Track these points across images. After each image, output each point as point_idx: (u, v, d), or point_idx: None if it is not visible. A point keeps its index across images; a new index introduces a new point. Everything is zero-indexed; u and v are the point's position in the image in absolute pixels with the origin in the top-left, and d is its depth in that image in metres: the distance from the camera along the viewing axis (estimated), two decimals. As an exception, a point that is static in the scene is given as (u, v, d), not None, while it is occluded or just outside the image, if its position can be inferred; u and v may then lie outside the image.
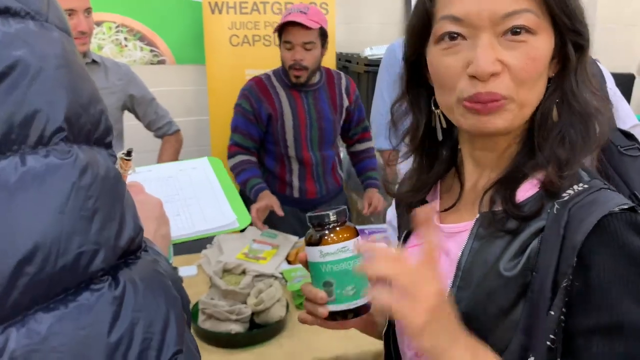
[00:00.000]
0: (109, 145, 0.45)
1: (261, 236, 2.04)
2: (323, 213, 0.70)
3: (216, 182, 0.93)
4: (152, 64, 3.28)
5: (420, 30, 0.70)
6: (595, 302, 0.58)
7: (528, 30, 0.63)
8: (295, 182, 2.25)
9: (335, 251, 0.68)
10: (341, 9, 3.40)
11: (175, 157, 2.48)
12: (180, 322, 0.44)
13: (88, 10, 2.00)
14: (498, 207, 0.67)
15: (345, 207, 0.73)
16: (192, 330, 1.48)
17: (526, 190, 0.67)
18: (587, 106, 0.66)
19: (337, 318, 0.70)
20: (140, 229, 0.45)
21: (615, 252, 0.58)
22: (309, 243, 0.70)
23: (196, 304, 1.54)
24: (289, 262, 1.91)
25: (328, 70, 2.31)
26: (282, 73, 2.21)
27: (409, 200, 0.80)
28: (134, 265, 0.43)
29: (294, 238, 2.05)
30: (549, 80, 0.69)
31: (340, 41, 3.42)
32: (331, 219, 0.69)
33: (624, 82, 3.28)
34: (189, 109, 3.39)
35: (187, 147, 3.44)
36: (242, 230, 2.13)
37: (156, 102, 2.47)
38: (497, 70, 0.62)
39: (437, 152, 0.78)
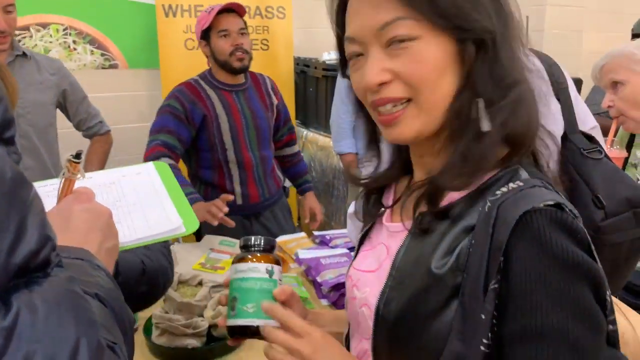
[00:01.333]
0: (8, 142, 0.39)
1: (219, 245, 1.97)
2: (250, 237, 0.76)
3: (162, 186, 0.88)
4: (103, 67, 3.16)
5: (341, 53, 0.74)
6: (516, 306, 0.56)
7: (410, 38, 0.63)
8: (237, 189, 2.19)
9: (246, 270, 0.73)
10: (298, 13, 3.37)
11: (104, 158, 2.40)
12: (95, 353, 0.38)
13: (8, 7, 1.88)
14: (427, 208, 0.69)
15: (275, 240, 0.79)
16: (146, 347, 1.41)
17: (458, 193, 0.66)
18: (496, 94, 0.64)
19: (235, 334, 0.73)
20: (48, 241, 0.38)
21: (536, 251, 0.56)
22: (232, 262, 0.77)
23: (149, 319, 1.46)
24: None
25: (251, 72, 2.32)
26: (210, 76, 2.19)
27: (372, 187, 0.82)
28: (37, 286, 0.36)
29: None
30: (466, 76, 0.67)
31: (298, 46, 3.39)
32: (253, 243, 0.76)
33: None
34: (142, 114, 3.28)
35: (141, 153, 3.34)
36: (199, 240, 2.05)
37: (88, 101, 2.40)
38: (384, 79, 0.65)
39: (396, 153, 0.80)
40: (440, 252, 0.64)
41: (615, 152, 1.60)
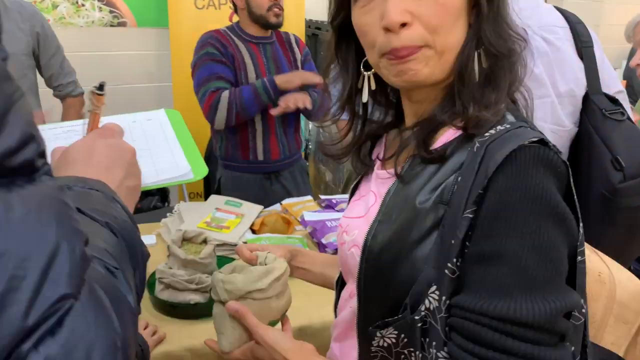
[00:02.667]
0: None
1: (225, 205, 1.95)
2: None
3: (171, 133, 0.86)
4: (111, 25, 3.10)
5: None
6: (482, 230, 0.59)
7: None
8: (259, 144, 2.18)
9: None
10: (312, -26, 3.29)
11: None
12: (78, 262, 0.35)
13: None
14: (418, 152, 0.69)
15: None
16: (149, 301, 1.41)
17: (448, 136, 0.68)
18: (503, 49, 0.67)
19: None
20: (32, 141, 0.34)
21: (512, 184, 0.58)
22: None
23: (153, 274, 1.45)
24: (254, 232, 1.83)
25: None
26: (237, 28, 2.19)
27: (340, 159, 0.85)
28: (18, 188, 0.33)
29: (259, 207, 1.97)
30: (471, 26, 0.68)
31: (310, 7, 3.30)
32: None
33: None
34: (151, 74, 3.24)
35: (149, 114, 3.31)
36: (206, 199, 2.04)
37: (63, 55, 2.27)
38: (407, 19, 0.64)
39: (367, 112, 0.80)
40: (427, 188, 0.66)
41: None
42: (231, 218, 1.85)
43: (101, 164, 0.60)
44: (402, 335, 0.64)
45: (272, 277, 0.80)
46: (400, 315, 0.64)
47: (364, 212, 0.77)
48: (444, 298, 0.61)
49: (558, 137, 1.07)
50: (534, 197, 0.57)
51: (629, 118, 1.06)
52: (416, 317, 0.62)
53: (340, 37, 0.76)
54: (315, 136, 3.22)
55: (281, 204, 2.07)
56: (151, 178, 0.77)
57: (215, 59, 2.07)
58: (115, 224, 0.51)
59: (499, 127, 0.64)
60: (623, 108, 1.07)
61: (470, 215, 0.59)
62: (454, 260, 0.60)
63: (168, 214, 1.96)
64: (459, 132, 0.67)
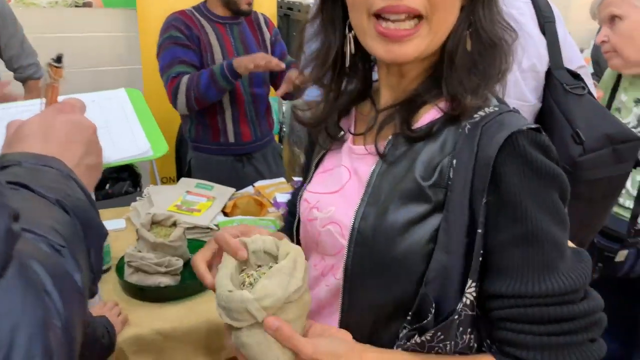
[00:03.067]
0: None
1: (195, 188, 1.93)
2: None
3: (132, 111, 0.85)
4: (76, 6, 3.01)
5: None
6: (507, 215, 0.62)
7: None
8: (230, 126, 2.15)
9: None
10: (283, -48, 3.24)
11: None
12: (3, 235, 0.33)
13: None
14: (400, 130, 0.70)
15: None
16: (118, 285, 1.39)
17: (430, 116, 0.69)
18: (494, 35, 0.68)
19: None
20: None
21: (522, 167, 0.62)
22: None
23: (122, 259, 1.44)
24: (226, 214, 1.82)
25: None
26: (204, 8, 2.14)
27: (315, 127, 0.81)
28: None
29: (231, 190, 1.96)
30: (462, 9, 0.68)
31: (282, -13, 3.26)
32: None
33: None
34: (119, 56, 3.17)
35: (119, 98, 3.25)
36: (176, 182, 2.02)
37: (23, 35, 2.21)
38: None
39: (347, 77, 0.78)
40: (418, 170, 0.66)
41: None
42: (202, 201, 1.83)
43: (59, 140, 0.58)
44: (439, 334, 0.64)
45: (300, 267, 0.63)
46: (444, 322, 0.63)
47: (337, 187, 0.75)
48: (475, 287, 0.63)
49: (521, 112, 1.08)
50: (545, 176, 0.62)
51: (589, 92, 1.07)
52: (456, 317, 0.63)
53: None
54: (290, 119, 3.20)
55: (254, 186, 2.06)
56: (110, 156, 0.75)
57: (178, 43, 2.03)
58: (67, 201, 0.49)
59: (487, 109, 0.66)
60: (584, 82, 1.09)
61: (486, 200, 0.62)
62: (479, 247, 0.63)
63: (138, 198, 1.93)
64: (440, 114, 0.68)
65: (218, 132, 2.15)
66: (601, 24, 1.56)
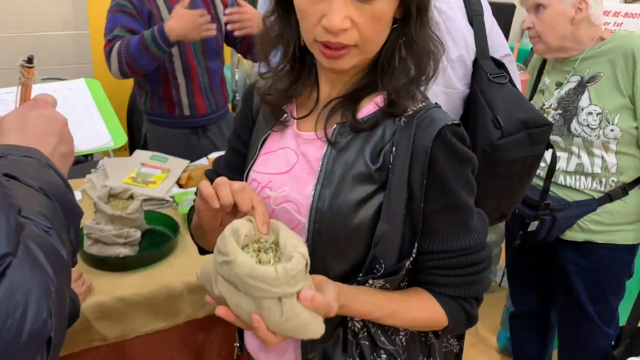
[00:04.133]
0: None
1: (150, 160, 1.98)
2: None
3: (92, 102, 0.91)
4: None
5: None
6: (437, 190, 0.79)
7: None
8: (184, 99, 2.17)
9: None
10: None
11: None
12: (13, 228, 0.44)
13: None
14: (345, 120, 0.81)
15: None
16: (78, 257, 1.46)
17: (368, 109, 0.82)
18: (424, 49, 0.80)
19: None
20: None
21: (448, 153, 0.78)
22: None
23: (81, 230, 1.49)
24: (180, 186, 1.89)
25: None
26: None
27: (275, 102, 0.88)
28: None
29: (185, 162, 2.01)
30: (395, 20, 0.78)
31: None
32: None
33: (505, 12, 3.46)
34: (66, 21, 3.09)
35: (67, 64, 3.18)
36: (130, 154, 2.06)
37: None
38: (346, 26, 0.72)
39: (304, 63, 0.86)
40: (365, 156, 0.79)
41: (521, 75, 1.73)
42: (157, 173, 1.89)
43: (35, 133, 0.66)
44: (387, 284, 0.82)
45: (302, 242, 0.72)
46: (395, 276, 0.81)
47: (286, 168, 0.85)
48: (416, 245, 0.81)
49: (450, 98, 1.20)
50: (466, 160, 0.80)
51: (510, 81, 1.20)
52: (403, 272, 0.81)
53: None
54: (242, 87, 3.24)
55: (208, 158, 2.12)
56: (75, 147, 0.81)
57: (124, 10, 2.02)
58: (49, 188, 0.58)
59: (416, 105, 0.81)
60: (507, 72, 1.21)
61: (424, 181, 0.78)
62: (421, 218, 0.80)
63: (92, 170, 1.97)
64: (376, 108, 0.81)
65: (173, 106, 2.18)
66: (528, 11, 1.69)
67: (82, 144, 0.81)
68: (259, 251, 0.71)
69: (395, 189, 0.78)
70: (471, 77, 1.21)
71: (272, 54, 0.87)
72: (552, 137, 1.69)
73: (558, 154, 1.67)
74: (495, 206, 1.25)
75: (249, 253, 0.70)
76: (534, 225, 1.60)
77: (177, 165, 1.99)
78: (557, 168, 1.66)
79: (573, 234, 1.70)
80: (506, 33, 3.38)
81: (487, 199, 1.12)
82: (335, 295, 0.74)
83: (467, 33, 1.19)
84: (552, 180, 1.66)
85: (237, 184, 0.74)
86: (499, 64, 1.22)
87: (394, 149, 0.78)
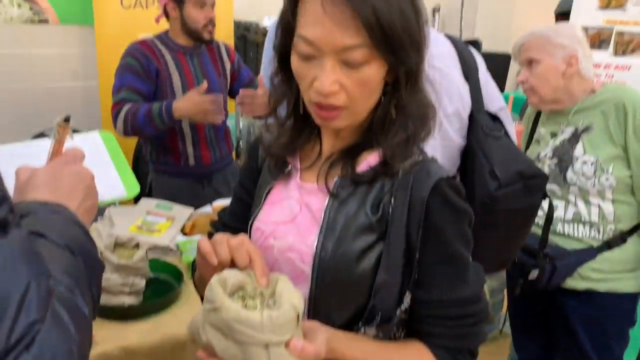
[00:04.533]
0: None
1: (155, 208, 2.01)
2: None
3: (106, 154, 0.95)
4: (32, 22, 3.03)
5: (285, 36, 0.83)
6: (433, 242, 0.81)
7: (363, 62, 0.76)
8: (190, 150, 2.24)
9: None
10: (239, -24, 3.35)
11: None
12: (44, 295, 0.47)
13: None
14: (345, 173, 0.85)
15: None
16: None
17: (367, 164, 0.85)
18: (416, 111, 0.84)
19: None
20: (4, 201, 0.46)
21: (444, 205, 0.81)
22: None
23: (86, 279, 1.51)
24: (185, 234, 1.91)
25: None
26: (165, 38, 2.23)
27: (279, 155, 0.91)
28: None
29: (189, 210, 2.05)
30: (387, 83, 0.82)
31: (239, 10, 3.37)
32: None
33: (502, 62, 3.58)
34: (76, 73, 3.20)
35: (75, 114, 3.25)
36: (136, 202, 2.10)
37: None
38: (335, 90, 0.77)
39: (306, 119, 0.89)
40: (366, 208, 0.82)
41: (516, 126, 1.78)
42: (162, 221, 1.92)
43: (65, 189, 0.70)
44: (380, 334, 0.83)
45: (294, 290, 0.74)
46: (386, 325, 0.82)
47: (290, 218, 0.88)
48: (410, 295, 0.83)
49: (448, 150, 1.24)
50: (462, 212, 0.83)
51: (506, 133, 1.24)
52: (395, 322, 0.83)
53: (282, 61, 0.86)
54: (246, 135, 3.31)
55: (212, 205, 2.16)
56: None
57: (132, 70, 2.12)
58: (74, 245, 0.61)
59: (413, 158, 0.84)
60: (502, 125, 1.26)
61: (421, 232, 0.80)
62: (416, 268, 0.82)
63: (98, 218, 2.00)
64: (374, 163, 0.85)
65: (179, 156, 2.23)
66: (521, 65, 1.76)
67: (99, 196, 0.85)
68: (244, 299, 0.73)
69: (394, 240, 0.81)
70: (467, 130, 1.26)
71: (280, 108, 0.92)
72: (549, 186, 1.73)
73: (555, 202, 1.70)
74: (494, 256, 1.27)
75: (235, 300, 0.72)
76: (534, 275, 1.62)
77: (182, 213, 2.02)
78: (555, 217, 1.69)
79: (574, 283, 1.71)
80: (502, 83, 3.49)
81: (487, 249, 1.14)
82: (325, 340, 0.76)
83: (463, 88, 1.24)
84: (551, 228, 1.68)
85: (235, 241, 0.77)
86: (494, 117, 1.27)
87: (392, 200, 0.81)
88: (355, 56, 0.75)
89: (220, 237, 0.78)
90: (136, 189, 0.90)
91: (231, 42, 3.26)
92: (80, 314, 0.53)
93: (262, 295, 0.74)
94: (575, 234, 1.70)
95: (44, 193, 0.67)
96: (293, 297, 0.71)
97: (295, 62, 0.80)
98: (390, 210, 0.81)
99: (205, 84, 2.03)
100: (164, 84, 2.16)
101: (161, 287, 1.59)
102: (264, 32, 3.11)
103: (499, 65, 3.62)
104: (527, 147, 1.90)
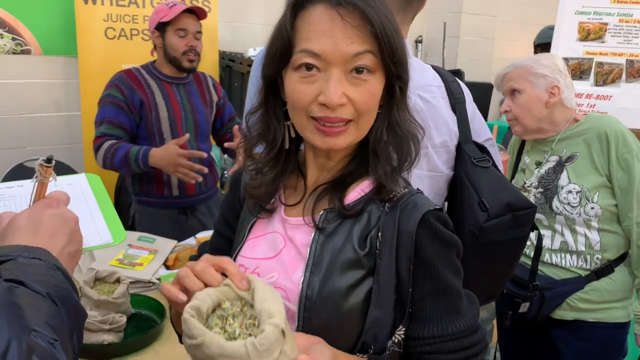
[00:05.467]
0: None
1: (137, 241, 1.97)
2: None
3: (92, 198, 0.91)
4: (14, 53, 3.00)
5: (280, 56, 0.80)
6: (425, 275, 0.80)
7: (369, 70, 0.77)
8: (174, 179, 2.21)
9: None
10: (224, 7, 3.38)
11: None
12: (23, 352, 0.45)
13: None
14: (332, 206, 0.83)
15: None
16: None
17: (355, 195, 0.84)
18: (407, 132, 0.84)
19: None
20: None
21: (433, 238, 0.80)
22: None
23: (64, 316, 1.45)
24: (167, 267, 1.87)
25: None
26: (152, 67, 2.24)
27: (262, 193, 0.89)
28: None
29: (173, 242, 2.00)
30: (380, 106, 0.83)
31: (224, 40, 3.39)
32: None
33: (483, 91, 3.63)
34: (58, 103, 3.16)
35: (58, 144, 3.22)
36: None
37: None
38: (343, 102, 0.76)
39: (289, 155, 0.89)
40: (353, 242, 0.80)
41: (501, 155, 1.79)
42: (144, 254, 1.87)
43: (46, 232, 0.68)
44: None
45: (278, 299, 0.68)
46: (375, 354, 0.79)
47: (274, 253, 0.85)
48: (404, 330, 0.81)
49: (435, 181, 1.23)
50: (451, 244, 0.81)
51: (494, 164, 1.24)
52: (387, 352, 0.80)
53: (269, 89, 0.85)
54: (231, 166, 3.28)
55: (196, 237, 2.12)
56: None
57: (115, 103, 2.11)
58: (55, 292, 0.58)
59: (400, 190, 0.83)
60: (490, 155, 1.26)
61: (412, 267, 0.79)
62: (409, 301, 0.79)
63: (79, 251, 1.94)
64: (362, 193, 0.84)
65: (162, 186, 2.21)
66: (504, 95, 1.78)
67: (84, 242, 0.81)
68: (223, 319, 0.68)
69: (384, 275, 0.79)
70: (455, 160, 1.26)
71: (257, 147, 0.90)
72: (536, 215, 1.72)
73: (542, 232, 1.70)
74: (483, 287, 1.25)
75: (214, 324, 0.68)
76: (524, 307, 1.60)
77: (165, 246, 1.97)
78: (542, 247, 1.68)
79: (563, 313, 1.69)
80: (484, 112, 3.54)
81: (475, 280, 1.13)
82: (330, 358, 0.72)
83: (450, 120, 1.24)
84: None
85: (199, 266, 0.70)
86: (482, 148, 1.27)
87: (379, 234, 0.80)
88: (364, 62, 0.76)
89: (183, 271, 0.71)
90: (123, 236, 0.86)
91: (216, 72, 3.27)
92: None
93: (242, 309, 0.69)
94: (563, 263, 1.69)
95: (25, 237, 0.65)
96: (273, 311, 0.66)
97: (292, 82, 0.79)
98: (377, 245, 0.79)
99: (187, 136, 2.03)
100: (149, 115, 2.15)
101: (143, 323, 1.54)
102: (249, 63, 3.12)
103: (480, 95, 3.68)
104: (512, 177, 1.90)
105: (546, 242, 1.71)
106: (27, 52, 3.03)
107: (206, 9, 3.15)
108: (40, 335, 0.50)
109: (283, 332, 0.66)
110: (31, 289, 0.56)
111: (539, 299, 1.62)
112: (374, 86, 0.78)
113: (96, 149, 2.09)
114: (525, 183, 1.80)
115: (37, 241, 0.65)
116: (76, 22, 2.90)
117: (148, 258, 1.86)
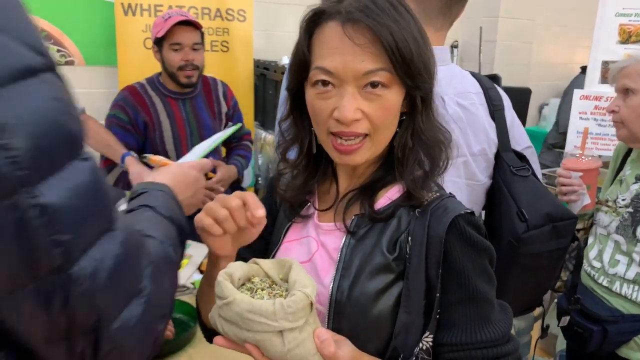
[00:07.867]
0: None
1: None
2: None
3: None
4: (59, 64, 3.10)
5: (299, 71, 0.83)
6: (454, 281, 0.78)
7: (383, 85, 0.77)
8: None
9: None
10: (259, 16, 3.41)
11: None
12: (160, 259, 0.70)
13: None
14: (363, 211, 0.83)
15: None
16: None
17: (384, 201, 0.84)
18: (433, 138, 0.83)
19: None
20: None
21: (463, 243, 0.78)
22: None
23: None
24: (202, 272, 1.89)
25: (204, 77, 2.30)
26: (157, 81, 2.20)
27: (295, 200, 0.92)
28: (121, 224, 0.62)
29: (206, 248, 2.02)
30: (402, 114, 0.83)
31: (258, 49, 3.42)
32: None
33: (522, 96, 3.55)
34: (99, 110, 3.25)
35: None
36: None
37: None
38: (357, 117, 0.77)
39: (320, 160, 0.91)
40: (382, 246, 0.80)
41: (588, 162, 1.60)
42: (180, 260, 1.90)
43: (182, 183, 0.89)
44: None
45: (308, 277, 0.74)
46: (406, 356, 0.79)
47: (307, 256, 0.86)
48: (432, 337, 0.79)
49: (473, 190, 1.21)
50: (482, 249, 0.79)
51: (533, 173, 1.21)
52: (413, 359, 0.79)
53: (295, 99, 0.87)
54: (265, 172, 3.31)
55: (229, 243, 2.13)
56: None
57: (120, 125, 2.12)
58: (174, 215, 0.78)
59: (431, 195, 0.82)
60: (529, 164, 1.23)
61: (440, 271, 0.78)
62: (437, 307, 0.78)
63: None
64: (392, 199, 0.83)
65: None
66: (615, 92, 1.55)
67: None
68: (253, 291, 0.74)
69: (414, 279, 0.78)
70: (493, 169, 1.23)
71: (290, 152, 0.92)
72: (615, 237, 1.54)
73: (618, 257, 1.53)
74: (520, 299, 1.22)
75: (244, 292, 0.73)
76: (564, 321, 1.51)
77: (199, 251, 2.00)
78: (614, 273, 1.51)
79: (629, 352, 1.50)
80: (523, 117, 3.46)
81: (512, 292, 1.10)
82: (350, 353, 0.73)
83: (489, 127, 1.22)
84: (607, 286, 1.50)
85: (232, 201, 0.77)
86: (521, 157, 1.24)
87: (409, 238, 0.79)
88: (378, 78, 0.76)
89: (213, 204, 0.78)
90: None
91: (251, 80, 3.30)
92: (172, 261, 0.71)
93: (271, 286, 0.75)
94: (634, 297, 1.48)
95: (165, 178, 0.86)
96: (307, 284, 0.71)
97: (311, 98, 0.80)
98: (407, 249, 0.79)
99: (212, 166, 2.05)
100: (153, 136, 2.15)
101: (177, 327, 1.56)
102: (282, 71, 3.14)
103: (518, 100, 3.60)
104: (610, 184, 1.68)
105: (619, 270, 1.51)
106: (70, 63, 3.14)
107: (241, 19, 3.21)
108: (160, 242, 0.69)
109: (312, 304, 0.70)
110: (157, 212, 0.75)
111: (600, 332, 1.47)
112: (389, 100, 0.78)
113: (107, 172, 2.12)
114: (617, 197, 1.56)
115: (172, 185, 0.85)
116: (116, 33, 2.99)
117: (183, 263, 1.88)
